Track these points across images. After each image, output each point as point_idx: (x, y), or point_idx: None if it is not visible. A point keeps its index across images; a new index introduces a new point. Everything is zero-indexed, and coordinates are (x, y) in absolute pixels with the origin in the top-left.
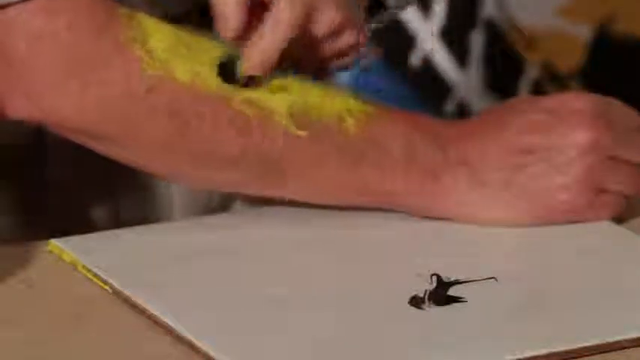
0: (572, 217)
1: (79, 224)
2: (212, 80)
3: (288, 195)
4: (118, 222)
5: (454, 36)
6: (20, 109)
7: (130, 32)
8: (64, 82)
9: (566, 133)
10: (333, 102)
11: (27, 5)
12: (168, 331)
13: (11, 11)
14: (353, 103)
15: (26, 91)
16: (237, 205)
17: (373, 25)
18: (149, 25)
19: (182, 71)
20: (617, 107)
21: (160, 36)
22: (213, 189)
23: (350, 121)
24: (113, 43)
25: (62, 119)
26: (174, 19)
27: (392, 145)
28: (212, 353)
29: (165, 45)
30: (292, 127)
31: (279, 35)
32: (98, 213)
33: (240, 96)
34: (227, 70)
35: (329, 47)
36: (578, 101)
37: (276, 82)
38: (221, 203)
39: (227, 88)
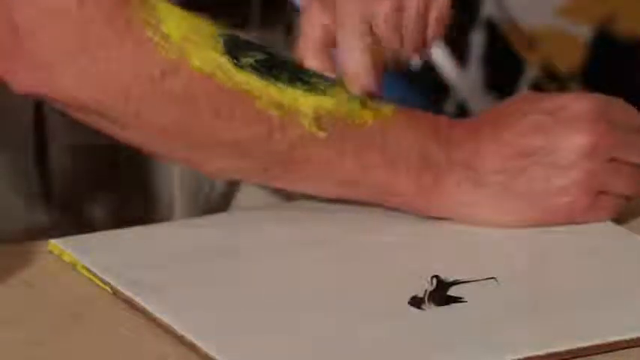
0: (572, 219)
1: (78, 223)
2: (236, 75)
3: (293, 189)
4: (118, 221)
5: (454, 36)
6: (26, 83)
7: (142, 14)
8: (72, 57)
9: (566, 136)
10: (361, 108)
11: None
12: (168, 331)
13: None
14: (378, 107)
15: (34, 65)
16: (237, 205)
17: None
18: (162, 9)
19: (199, 59)
20: (619, 107)
21: (174, 20)
22: (214, 175)
23: (374, 125)
24: (125, 23)
25: (67, 95)
26: None
27: (408, 148)
28: (212, 353)
29: (180, 30)
30: (314, 127)
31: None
32: (98, 212)
33: (268, 97)
34: None
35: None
36: (578, 103)
37: (318, 82)
38: (221, 203)
39: (256, 86)
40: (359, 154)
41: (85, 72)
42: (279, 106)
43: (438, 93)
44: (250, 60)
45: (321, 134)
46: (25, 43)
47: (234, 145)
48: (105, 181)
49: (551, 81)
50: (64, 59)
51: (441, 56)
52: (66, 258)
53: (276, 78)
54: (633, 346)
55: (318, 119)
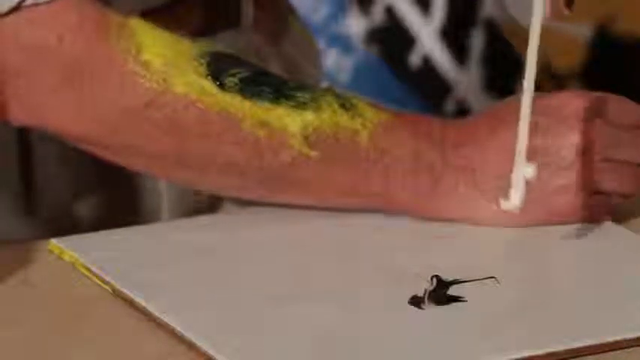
0: (570, 219)
1: (62, 224)
2: (221, 97)
3: (290, 202)
4: (102, 222)
5: (454, 36)
6: (19, 118)
7: (123, 43)
8: (59, 92)
9: (562, 135)
10: (349, 118)
11: (16, 17)
12: (168, 331)
13: (1, 24)
14: (368, 115)
15: (24, 102)
16: (228, 206)
17: None
18: (142, 34)
19: (183, 85)
20: (616, 104)
21: (154, 46)
22: (212, 192)
23: (364, 134)
24: (106, 57)
25: (59, 127)
26: (155, 11)
27: (400, 154)
28: (212, 353)
29: (161, 56)
30: (305, 147)
31: None
32: (82, 213)
33: (254, 117)
34: None
35: None
36: (575, 102)
37: (302, 97)
38: (209, 204)
39: (241, 107)
40: (352, 167)
41: (72, 106)
42: (266, 125)
43: (438, 93)
44: (234, 80)
45: (313, 153)
46: (14, 81)
47: (227, 165)
48: (89, 181)
49: (551, 80)
50: (52, 94)
51: (441, 56)
52: (66, 258)
53: (261, 97)
54: (633, 346)
55: (307, 138)
